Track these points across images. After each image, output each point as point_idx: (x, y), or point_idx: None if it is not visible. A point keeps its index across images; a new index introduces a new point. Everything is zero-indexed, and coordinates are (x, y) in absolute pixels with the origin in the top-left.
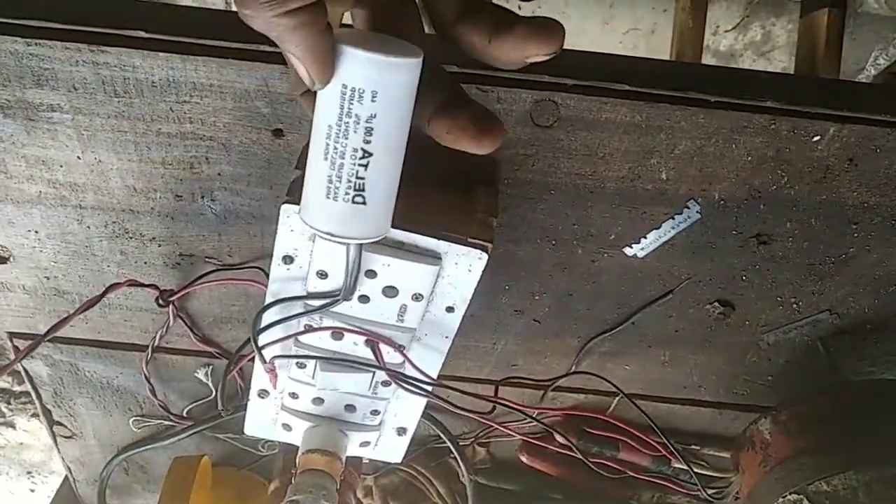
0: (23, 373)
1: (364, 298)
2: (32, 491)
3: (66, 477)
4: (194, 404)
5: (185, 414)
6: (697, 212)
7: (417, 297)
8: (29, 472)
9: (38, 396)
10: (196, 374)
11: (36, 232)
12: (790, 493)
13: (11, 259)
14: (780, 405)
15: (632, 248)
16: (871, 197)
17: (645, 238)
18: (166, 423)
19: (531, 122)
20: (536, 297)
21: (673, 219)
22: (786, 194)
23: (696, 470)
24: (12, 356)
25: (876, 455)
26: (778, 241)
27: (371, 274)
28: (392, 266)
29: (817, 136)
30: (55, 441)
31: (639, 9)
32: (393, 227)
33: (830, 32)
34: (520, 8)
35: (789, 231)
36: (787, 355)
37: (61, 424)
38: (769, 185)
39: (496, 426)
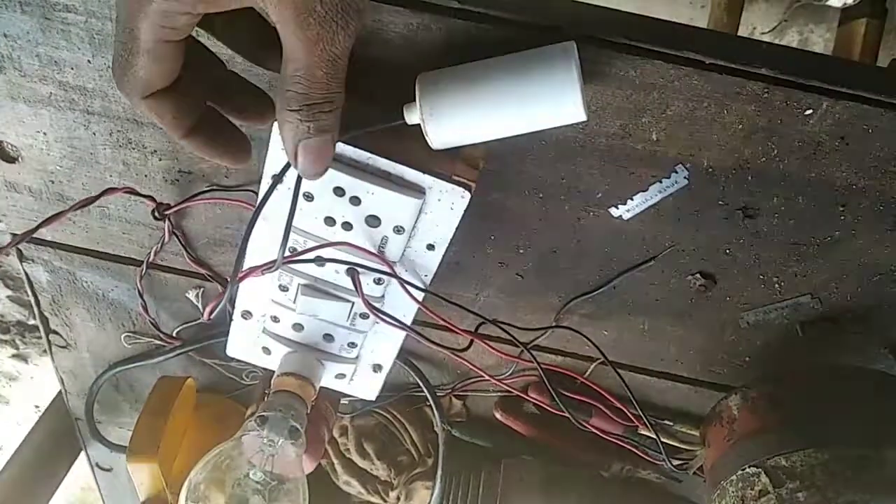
0: (23, 276)
1: (347, 226)
2: None
3: (59, 391)
4: (184, 326)
5: (174, 334)
6: (685, 177)
7: (399, 230)
8: (37, 406)
9: (37, 303)
10: (187, 295)
11: (44, 134)
12: (749, 466)
13: (20, 159)
14: (752, 382)
15: (618, 208)
16: (861, 179)
17: (631, 199)
18: (156, 342)
19: None
20: (521, 251)
21: (660, 182)
22: (774, 168)
23: (663, 440)
24: (15, 257)
25: (838, 436)
26: (764, 215)
27: (355, 201)
28: (376, 195)
29: (810, 109)
30: (50, 350)
31: (677, 2)
32: (381, 156)
33: (866, 43)
34: None
35: (775, 207)
36: (766, 337)
37: (57, 333)
38: (758, 157)
39: (472, 367)
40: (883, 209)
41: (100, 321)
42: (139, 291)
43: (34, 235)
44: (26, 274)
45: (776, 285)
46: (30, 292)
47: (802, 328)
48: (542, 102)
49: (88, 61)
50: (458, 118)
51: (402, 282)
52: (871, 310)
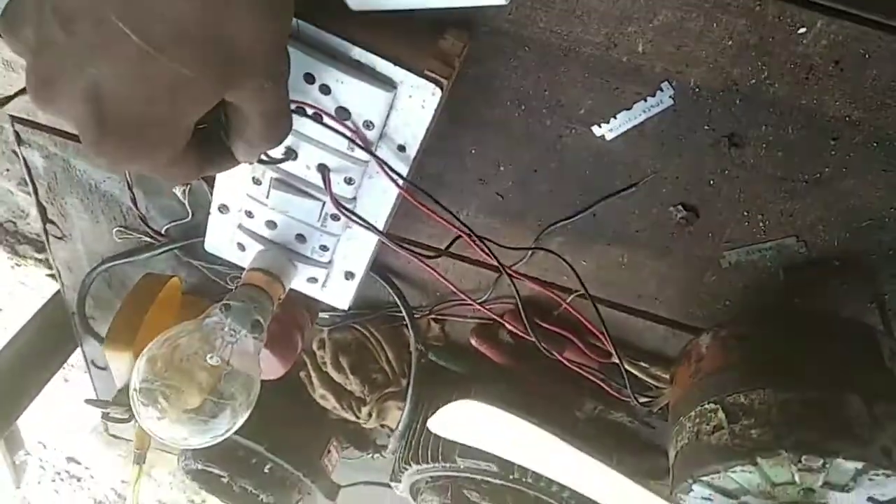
0: (21, 160)
1: (317, 117)
2: (66, 381)
3: (58, 290)
4: (172, 224)
5: (163, 232)
6: (670, 97)
7: (369, 125)
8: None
9: (35, 190)
10: (174, 191)
11: None
12: (708, 402)
13: None
14: (724, 323)
15: (600, 127)
16: (855, 111)
17: (614, 118)
18: (146, 239)
19: None
20: (501, 168)
21: (645, 100)
22: (764, 91)
23: (633, 372)
24: (12, 139)
25: (801, 377)
26: (751, 145)
27: (325, 89)
28: (346, 84)
29: (804, 27)
30: (47, 240)
31: None
32: (353, 43)
33: None
34: None
35: (763, 136)
36: (747, 280)
37: (53, 223)
38: (748, 78)
39: (444, 280)
40: (876, 146)
41: (93, 213)
42: (128, 184)
43: (30, 118)
44: (24, 158)
45: (760, 224)
46: (28, 179)
47: (785, 273)
48: None
49: None
50: None
51: (380, 161)
52: (858, 259)
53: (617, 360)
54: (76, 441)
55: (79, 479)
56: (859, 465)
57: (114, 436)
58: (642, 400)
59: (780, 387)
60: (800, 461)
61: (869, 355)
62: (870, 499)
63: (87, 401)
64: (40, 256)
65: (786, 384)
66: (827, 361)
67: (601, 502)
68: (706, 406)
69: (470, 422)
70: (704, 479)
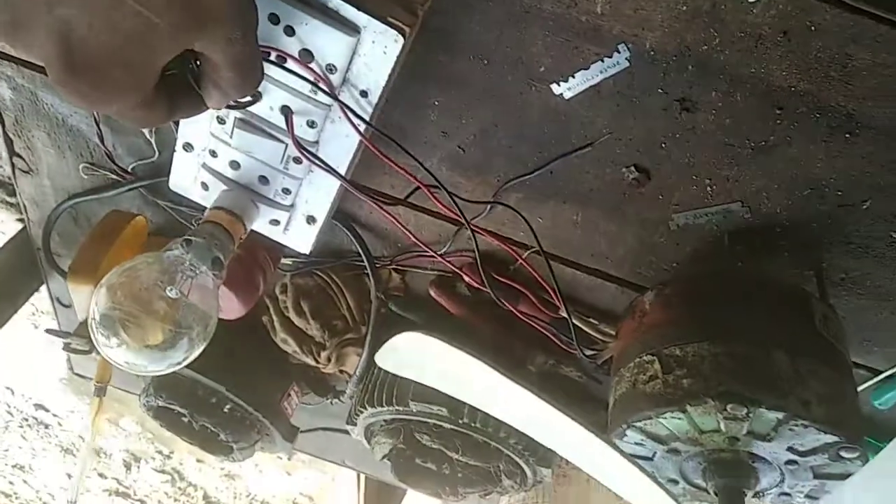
0: None
1: (281, 59)
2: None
3: (23, 227)
4: (139, 162)
5: (130, 170)
6: (626, 59)
7: (332, 69)
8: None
9: (2, 122)
10: (142, 129)
11: None
12: (646, 354)
13: None
14: (669, 281)
15: (559, 85)
16: (800, 82)
17: (573, 77)
18: (113, 176)
19: None
20: (463, 121)
21: (602, 61)
22: (715, 58)
23: (582, 327)
24: None
25: (731, 333)
26: (701, 111)
27: (289, 31)
28: (310, 26)
29: None
30: (14, 175)
31: None
32: None
33: None
34: None
35: (713, 102)
36: (694, 243)
37: (20, 157)
38: (700, 44)
39: (402, 227)
40: (819, 117)
41: (59, 148)
42: (95, 119)
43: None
44: None
45: (708, 188)
46: None
47: (730, 238)
48: None
49: None
50: None
51: (342, 104)
52: (799, 227)
53: (566, 315)
54: (45, 388)
55: (46, 426)
56: (780, 415)
57: (78, 374)
58: (588, 353)
59: (714, 341)
60: (725, 409)
61: (801, 318)
62: (790, 448)
63: (48, 330)
64: (11, 200)
65: (719, 339)
66: (760, 321)
67: (538, 437)
68: (644, 357)
69: (415, 353)
70: (637, 424)
